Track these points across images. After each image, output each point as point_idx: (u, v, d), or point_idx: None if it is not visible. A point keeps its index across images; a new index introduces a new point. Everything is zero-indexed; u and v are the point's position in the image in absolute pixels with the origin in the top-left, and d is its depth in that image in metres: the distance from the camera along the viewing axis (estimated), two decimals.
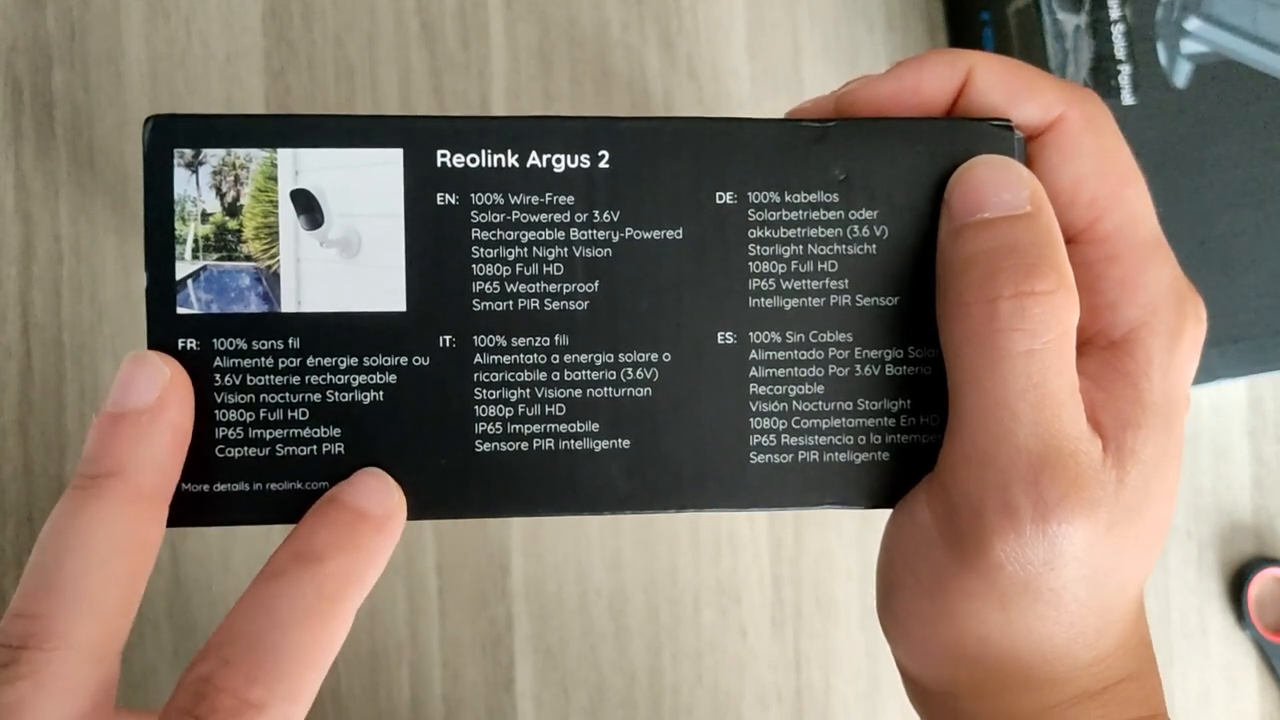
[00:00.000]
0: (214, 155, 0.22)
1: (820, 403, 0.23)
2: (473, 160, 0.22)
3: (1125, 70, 0.36)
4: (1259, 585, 0.42)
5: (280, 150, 0.22)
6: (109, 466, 0.20)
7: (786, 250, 0.22)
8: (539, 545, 0.40)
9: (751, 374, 0.23)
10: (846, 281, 0.23)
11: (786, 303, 0.23)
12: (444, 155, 0.22)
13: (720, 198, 0.22)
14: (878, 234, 0.23)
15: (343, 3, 0.40)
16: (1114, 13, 0.36)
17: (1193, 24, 0.36)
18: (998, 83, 0.23)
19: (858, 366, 0.23)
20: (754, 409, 0.23)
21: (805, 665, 0.41)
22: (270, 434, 0.22)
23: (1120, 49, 0.36)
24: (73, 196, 0.38)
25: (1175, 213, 0.36)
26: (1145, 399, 0.22)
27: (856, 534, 0.41)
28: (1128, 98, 0.36)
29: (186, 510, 0.22)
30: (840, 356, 0.23)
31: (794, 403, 0.23)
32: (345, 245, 0.22)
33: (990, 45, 0.39)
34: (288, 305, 0.22)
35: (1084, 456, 0.21)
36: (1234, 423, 0.43)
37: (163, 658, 0.39)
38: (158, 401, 0.21)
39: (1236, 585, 0.42)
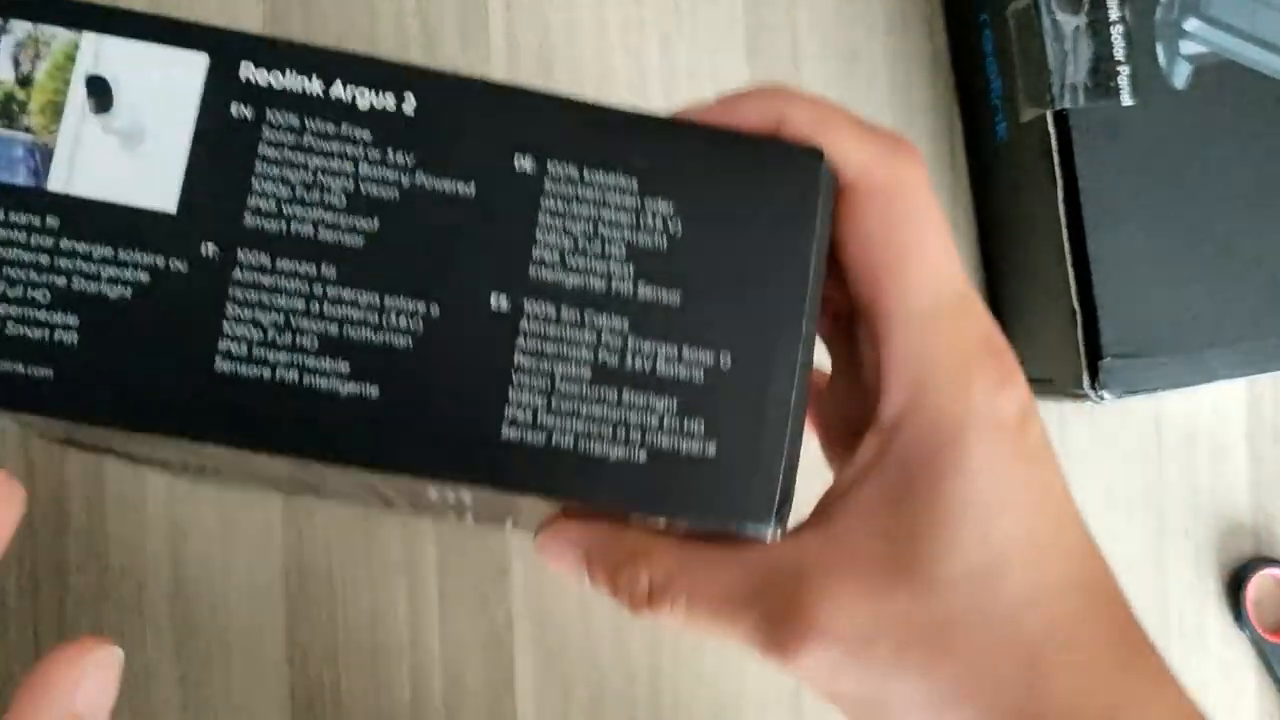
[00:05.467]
0: (20, 27, 0.21)
1: (584, 385, 0.22)
2: (276, 78, 0.22)
3: (1124, 71, 0.36)
4: (1257, 585, 0.42)
5: (86, 34, 0.21)
6: None
7: (576, 226, 0.22)
8: None
9: (519, 343, 0.22)
10: (632, 268, 0.22)
11: (568, 279, 0.22)
12: (249, 69, 0.22)
13: (519, 161, 0.22)
14: (671, 230, 0.22)
15: (343, 3, 0.40)
16: (1113, 13, 0.36)
17: (1192, 25, 0.36)
18: (805, 124, 0.22)
19: (630, 357, 0.22)
20: (515, 380, 0.22)
21: None
22: (3, 309, 0.21)
23: (1119, 50, 0.36)
24: None
25: (1175, 213, 0.36)
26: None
27: None
28: (1127, 98, 0.36)
29: None
30: (613, 343, 0.22)
31: (557, 381, 0.22)
32: (128, 137, 0.21)
33: (990, 46, 0.39)
34: (55, 184, 0.21)
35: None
36: (1233, 423, 0.43)
37: (164, 657, 0.39)
38: None
39: (1235, 585, 0.42)
